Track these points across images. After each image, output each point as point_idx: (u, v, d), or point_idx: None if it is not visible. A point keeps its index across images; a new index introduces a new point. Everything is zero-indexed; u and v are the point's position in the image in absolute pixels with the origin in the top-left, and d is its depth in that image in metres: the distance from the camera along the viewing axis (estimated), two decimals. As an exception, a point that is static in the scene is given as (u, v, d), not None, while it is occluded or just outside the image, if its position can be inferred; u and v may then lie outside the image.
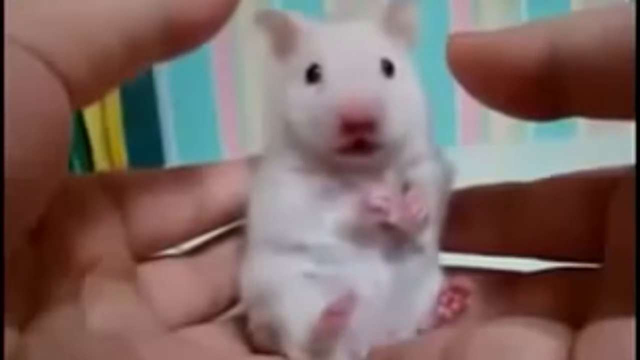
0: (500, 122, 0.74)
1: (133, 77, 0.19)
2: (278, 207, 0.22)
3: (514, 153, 0.73)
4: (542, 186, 0.22)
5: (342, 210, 0.22)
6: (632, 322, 0.15)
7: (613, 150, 0.24)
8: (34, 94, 0.15)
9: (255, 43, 0.69)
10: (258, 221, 0.23)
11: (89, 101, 0.19)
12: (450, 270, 0.23)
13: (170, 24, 0.18)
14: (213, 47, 0.72)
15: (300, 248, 0.22)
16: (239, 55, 0.73)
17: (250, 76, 0.74)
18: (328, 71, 0.21)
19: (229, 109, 0.76)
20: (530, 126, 0.74)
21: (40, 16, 0.16)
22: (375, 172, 0.22)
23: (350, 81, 0.21)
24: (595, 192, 0.20)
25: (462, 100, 0.72)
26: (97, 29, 0.17)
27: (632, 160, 0.18)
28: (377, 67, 0.22)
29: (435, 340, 0.19)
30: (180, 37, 0.19)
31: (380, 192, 0.21)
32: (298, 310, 0.21)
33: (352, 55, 0.22)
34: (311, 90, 0.22)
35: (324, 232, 0.22)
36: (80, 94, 0.17)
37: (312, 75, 0.22)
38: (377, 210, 0.21)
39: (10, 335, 0.17)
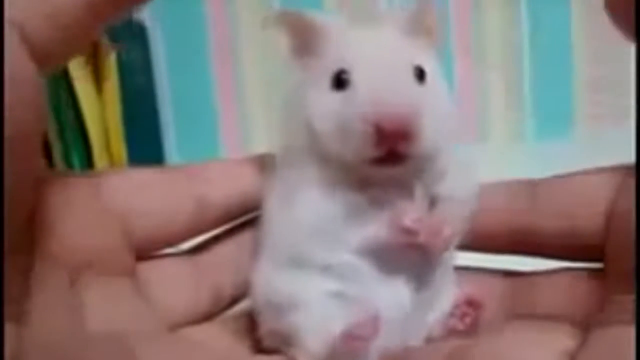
0: (499, 122, 0.74)
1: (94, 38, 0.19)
2: (302, 225, 0.21)
3: (514, 153, 0.73)
4: (546, 186, 0.22)
5: (369, 228, 0.20)
6: (632, 327, 0.15)
7: (612, 150, 0.24)
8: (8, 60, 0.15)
9: (255, 43, 0.69)
10: (279, 237, 0.22)
11: (55, 63, 0.19)
12: (460, 270, 0.23)
13: None
14: (213, 47, 0.72)
15: (324, 267, 0.21)
16: (238, 55, 0.73)
17: (251, 76, 0.74)
18: (358, 77, 0.20)
19: (229, 109, 0.76)
20: (530, 126, 0.74)
21: None
22: (403, 186, 0.21)
23: (385, 88, 0.19)
24: (595, 193, 0.20)
25: (462, 101, 0.72)
26: None
27: (631, 159, 0.18)
28: (410, 73, 0.20)
29: (441, 347, 0.19)
30: None
31: (414, 214, 0.20)
32: (317, 325, 0.20)
33: (384, 61, 0.20)
34: (338, 96, 0.20)
35: (349, 251, 0.21)
36: (46, 57, 0.17)
37: (340, 81, 0.20)
38: (409, 231, 0.20)
39: (9, 336, 0.17)
